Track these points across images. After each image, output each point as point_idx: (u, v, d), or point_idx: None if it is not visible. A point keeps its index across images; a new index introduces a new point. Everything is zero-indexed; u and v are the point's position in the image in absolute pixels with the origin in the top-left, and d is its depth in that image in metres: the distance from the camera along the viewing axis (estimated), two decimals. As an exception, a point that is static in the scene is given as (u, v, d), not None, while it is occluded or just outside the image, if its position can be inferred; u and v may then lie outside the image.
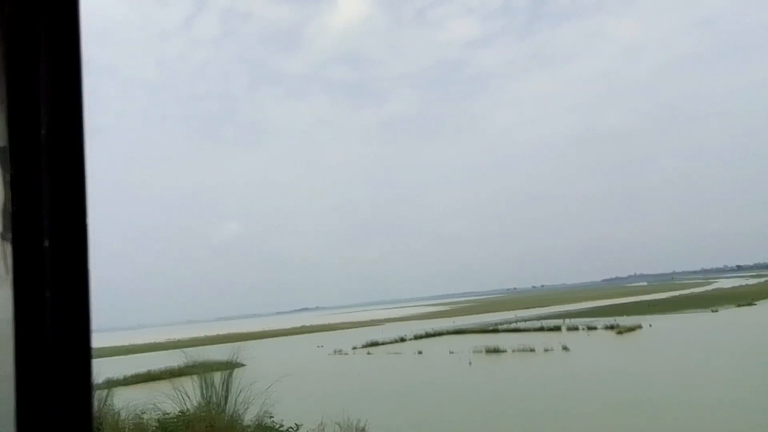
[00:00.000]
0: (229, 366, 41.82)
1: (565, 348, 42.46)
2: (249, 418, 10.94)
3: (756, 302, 74.33)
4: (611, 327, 55.64)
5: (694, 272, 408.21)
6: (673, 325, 54.96)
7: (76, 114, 1.11)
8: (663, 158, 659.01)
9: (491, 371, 35.42)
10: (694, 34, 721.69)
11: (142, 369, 46.02)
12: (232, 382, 11.31)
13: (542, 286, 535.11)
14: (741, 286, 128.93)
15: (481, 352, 44.74)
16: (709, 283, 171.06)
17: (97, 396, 14.06)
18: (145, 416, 11.09)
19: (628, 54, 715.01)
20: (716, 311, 67.39)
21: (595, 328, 56.84)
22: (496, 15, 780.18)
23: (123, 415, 11.54)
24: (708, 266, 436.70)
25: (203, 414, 10.51)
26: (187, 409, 10.74)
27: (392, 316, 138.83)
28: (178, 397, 11.12)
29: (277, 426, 11.18)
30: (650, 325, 54.81)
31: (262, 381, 13.59)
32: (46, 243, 1.06)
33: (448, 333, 66.60)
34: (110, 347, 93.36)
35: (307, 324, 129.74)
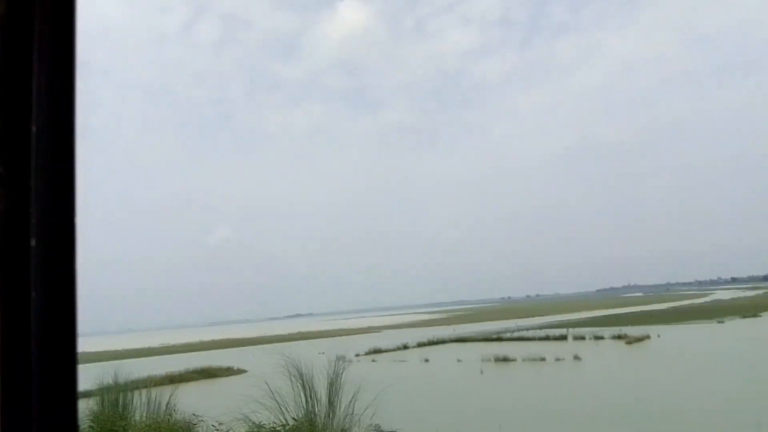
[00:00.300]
0: (232, 372, 40.13)
1: (576, 357, 41.51)
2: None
3: (760, 314, 73.72)
4: (619, 337, 54.76)
5: (689, 284, 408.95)
6: (681, 336, 54.14)
7: (67, 114, 1.10)
8: (658, 172, 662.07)
9: (507, 380, 34.44)
10: (691, 50, 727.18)
11: (154, 372, 44.84)
12: (340, 386, 10.24)
13: (537, 295, 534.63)
14: (740, 297, 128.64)
15: (489, 360, 43.73)
16: (706, 295, 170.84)
17: (130, 395, 13.37)
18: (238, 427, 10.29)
19: (626, 69, 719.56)
20: (722, 322, 66.66)
21: (602, 338, 55.98)
22: (494, 27, 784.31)
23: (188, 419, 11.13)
24: (702, 278, 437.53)
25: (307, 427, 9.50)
26: (286, 422, 9.72)
27: (389, 323, 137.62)
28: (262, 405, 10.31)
29: None
30: (658, 336, 53.96)
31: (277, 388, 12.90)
32: (33, 242, 1.04)
33: (451, 341, 65.56)
34: (105, 351, 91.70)
35: (304, 330, 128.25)
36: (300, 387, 10.32)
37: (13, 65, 1.06)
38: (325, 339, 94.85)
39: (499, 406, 26.29)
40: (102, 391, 15.35)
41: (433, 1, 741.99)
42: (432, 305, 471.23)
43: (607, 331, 60.23)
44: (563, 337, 59.33)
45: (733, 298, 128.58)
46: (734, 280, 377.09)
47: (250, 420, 9.90)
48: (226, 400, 12.92)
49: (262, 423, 9.70)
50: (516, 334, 65.82)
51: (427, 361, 47.77)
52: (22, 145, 1.05)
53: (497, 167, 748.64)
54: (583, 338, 57.55)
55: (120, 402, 13.93)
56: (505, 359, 43.66)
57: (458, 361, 45.58)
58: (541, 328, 74.70)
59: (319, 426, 9.58)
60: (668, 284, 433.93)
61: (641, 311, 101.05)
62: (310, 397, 10.04)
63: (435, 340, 65.80)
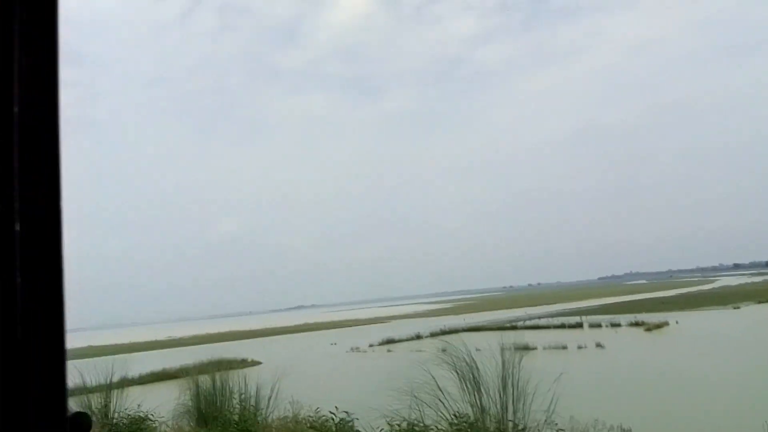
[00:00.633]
0: (246, 364, 39.18)
1: (599, 345, 40.71)
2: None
3: (775, 299, 72.94)
4: (636, 324, 53.96)
5: (691, 270, 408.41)
6: (700, 322, 53.33)
7: (51, 95, 1.07)
8: (661, 156, 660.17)
9: (535, 369, 33.55)
10: (695, 32, 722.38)
11: (168, 365, 44.11)
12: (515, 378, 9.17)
13: (538, 284, 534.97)
14: (748, 283, 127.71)
15: (509, 349, 42.84)
16: (712, 282, 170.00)
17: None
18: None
19: (629, 52, 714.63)
20: (738, 308, 65.87)
21: (618, 325, 55.16)
22: (495, 12, 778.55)
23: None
24: (704, 264, 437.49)
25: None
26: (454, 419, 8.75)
27: (395, 313, 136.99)
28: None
29: None
30: (677, 322, 53.13)
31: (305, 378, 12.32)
32: (18, 227, 1.01)
33: (463, 330, 64.60)
34: (111, 345, 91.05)
35: (310, 321, 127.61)
36: (463, 380, 9.06)
37: None
38: (333, 330, 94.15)
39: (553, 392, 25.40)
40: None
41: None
42: (434, 295, 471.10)
43: (622, 319, 59.41)
44: (579, 325, 58.53)
45: (740, 284, 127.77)
46: (737, 266, 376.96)
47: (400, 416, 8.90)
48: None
49: (416, 420, 8.75)
50: (530, 323, 64.93)
51: (444, 350, 46.82)
52: (3, 126, 1.01)
53: (499, 154, 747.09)
54: (599, 326, 56.74)
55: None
56: (526, 348, 42.61)
57: (477, 350, 44.68)
58: (552, 316, 73.92)
59: (495, 426, 8.57)
60: (670, 271, 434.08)
61: (651, 298, 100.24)
62: (476, 391, 8.93)
63: (447, 329, 64.85)
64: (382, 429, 10.01)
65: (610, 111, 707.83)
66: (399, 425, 9.38)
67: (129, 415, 13.95)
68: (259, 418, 11.56)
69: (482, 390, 8.93)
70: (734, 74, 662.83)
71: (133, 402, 15.74)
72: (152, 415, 13.79)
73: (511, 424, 8.50)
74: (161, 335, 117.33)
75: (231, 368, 45.75)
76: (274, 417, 11.80)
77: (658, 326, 51.04)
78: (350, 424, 11.86)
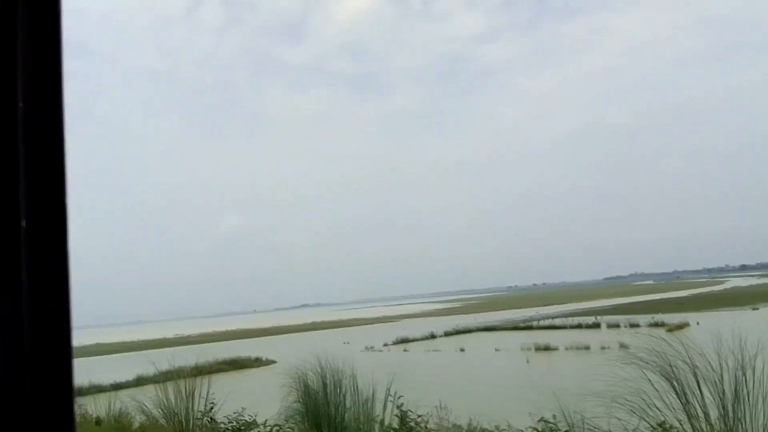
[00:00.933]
0: (261, 363, 38.18)
1: (623, 346, 39.70)
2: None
3: (794, 301, 71.90)
4: (656, 324, 52.97)
5: (697, 271, 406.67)
6: (721, 323, 52.11)
7: (55, 88, 1.08)
8: (666, 156, 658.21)
9: (565, 370, 32.68)
10: (699, 32, 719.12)
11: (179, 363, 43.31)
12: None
13: (543, 284, 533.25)
14: (759, 285, 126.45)
15: (529, 349, 42.08)
16: (721, 283, 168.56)
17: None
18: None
19: (633, 51, 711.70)
20: (757, 309, 64.82)
21: (637, 326, 54.12)
22: (500, 10, 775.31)
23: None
24: (710, 266, 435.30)
25: None
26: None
27: (402, 313, 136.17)
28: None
29: None
30: (697, 323, 52.14)
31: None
32: (24, 223, 1.01)
33: (477, 330, 63.96)
34: (118, 343, 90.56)
35: (317, 320, 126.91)
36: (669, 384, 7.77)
37: None
38: (342, 329, 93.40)
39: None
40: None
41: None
42: (438, 295, 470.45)
43: (639, 319, 58.51)
44: (596, 326, 57.62)
45: (751, 285, 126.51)
46: (744, 267, 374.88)
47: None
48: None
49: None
50: (545, 323, 64.06)
51: (462, 350, 46.05)
52: (8, 122, 1.01)
53: (503, 152, 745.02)
54: (617, 326, 55.82)
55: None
56: (547, 348, 41.99)
57: (496, 350, 43.89)
58: (565, 316, 73.04)
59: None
60: (676, 272, 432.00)
61: (664, 298, 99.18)
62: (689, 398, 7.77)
63: (461, 329, 64.17)
64: None
65: (615, 110, 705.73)
66: None
67: (228, 418, 12.01)
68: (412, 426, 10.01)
69: (690, 393, 7.61)
70: (739, 74, 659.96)
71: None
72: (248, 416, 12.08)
73: None
74: (168, 333, 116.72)
75: (245, 367, 45.27)
76: (431, 425, 10.36)
77: (680, 327, 50.06)
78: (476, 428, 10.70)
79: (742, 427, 7.29)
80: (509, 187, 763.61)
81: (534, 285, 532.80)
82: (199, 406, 12.01)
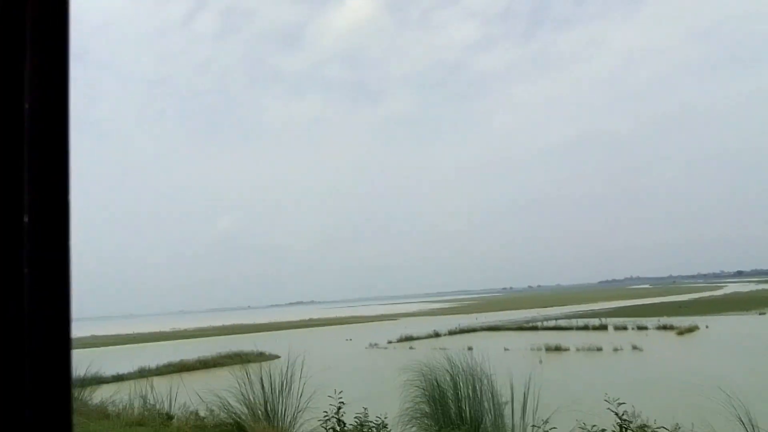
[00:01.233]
0: (265, 357, 36.87)
1: (635, 348, 38.99)
2: None
3: (799, 306, 71.34)
4: (664, 327, 52.31)
5: (692, 276, 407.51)
6: (731, 327, 51.66)
7: (61, 91, 1.09)
8: (661, 164, 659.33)
9: (581, 371, 31.83)
10: (694, 42, 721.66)
11: (184, 356, 42.38)
12: None
13: (538, 286, 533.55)
14: (760, 290, 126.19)
15: (539, 350, 41.25)
16: (720, 288, 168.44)
17: None
18: None
19: (629, 60, 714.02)
20: (763, 314, 64.23)
21: (645, 328, 53.43)
22: (497, 20, 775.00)
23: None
24: (704, 271, 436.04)
25: None
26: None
27: (400, 311, 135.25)
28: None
29: None
30: (707, 327, 51.45)
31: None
32: (26, 219, 1.03)
33: (482, 329, 63.11)
34: (115, 335, 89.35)
35: (314, 317, 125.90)
36: None
37: (5, 43, 1.04)
38: (341, 326, 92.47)
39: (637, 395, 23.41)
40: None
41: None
42: (432, 295, 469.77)
43: (646, 322, 57.82)
44: (603, 327, 56.84)
45: (751, 291, 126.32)
46: (740, 273, 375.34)
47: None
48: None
49: None
50: (550, 324, 63.25)
51: (470, 349, 45.07)
52: (14, 121, 1.03)
53: (499, 158, 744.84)
54: (624, 328, 55.10)
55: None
56: (557, 349, 41.14)
57: (505, 350, 42.99)
58: (568, 317, 72.27)
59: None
60: (671, 276, 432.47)
61: (665, 302, 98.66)
62: None
63: (465, 328, 63.30)
64: None
65: (611, 118, 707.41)
66: None
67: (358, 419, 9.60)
68: None
69: None
70: (734, 84, 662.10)
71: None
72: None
73: None
74: (165, 327, 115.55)
75: (249, 361, 44.28)
76: None
77: (690, 330, 49.39)
78: None
79: None
80: (505, 191, 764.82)
81: (529, 287, 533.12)
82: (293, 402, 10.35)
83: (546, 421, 8.55)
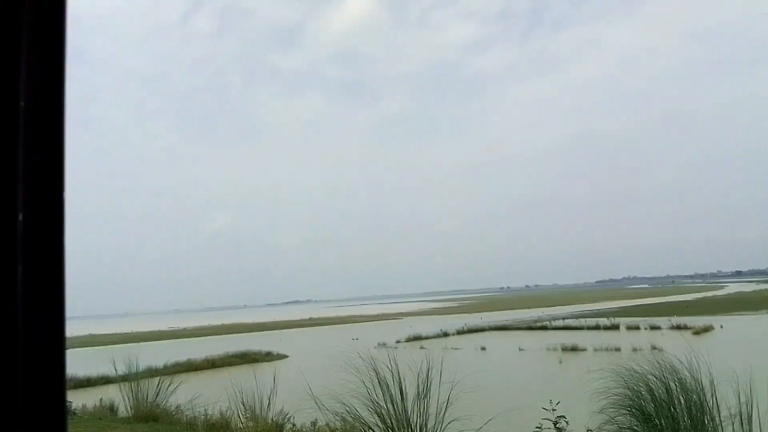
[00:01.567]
0: (273, 357, 35.64)
1: (655, 348, 37.87)
2: None
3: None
4: (678, 327, 51.31)
5: (691, 276, 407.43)
6: (746, 326, 50.77)
7: (56, 89, 1.10)
8: (657, 164, 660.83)
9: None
10: (690, 44, 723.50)
11: (191, 356, 41.07)
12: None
13: (535, 285, 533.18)
14: (762, 290, 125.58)
15: (555, 350, 40.20)
16: (721, 288, 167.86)
17: None
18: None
19: (626, 61, 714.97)
20: (775, 313, 63.44)
21: (658, 328, 52.43)
22: (495, 19, 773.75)
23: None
24: (702, 271, 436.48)
25: None
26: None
27: (401, 311, 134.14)
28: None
29: None
30: (721, 326, 50.53)
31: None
32: (20, 216, 1.03)
33: (490, 329, 62.08)
34: (113, 334, 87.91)
35: (315, 316, 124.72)
36: None
37: (1, 42, 1.05)
38: (343, 325, 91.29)
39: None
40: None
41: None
42: (430, 294, 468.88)
43: (658, 321, 56.86)
44: (615, 327, 55.86)
45: (754, 291, 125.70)
46: (739, 273, 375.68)
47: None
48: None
49: None
50: (559, 323, 62.25)
51: (484, 349, 44.05)
52: (9, 119, 1.04)
53: (496, 158, 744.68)
54: (637, 328, 54.09)
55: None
56: (574, 349, 40.08)
57: (520, 349, 41.94)
58: (575, 317, 71.31)
59: None
60: (669, 276, 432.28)
61: (670, 302, 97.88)
62: None
63: (473, 328, 62.25)
64: None
65: (608, 118, 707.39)
66: None
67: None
68: None
69: None
70: (731, 85, 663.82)
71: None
72: None
73: None
74: (162, 326, 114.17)
75: (257, 361, 43.10)
76: None
77: (705, 330, 48.42)
78: None
79: None
80: (502, 191, 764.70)
81: (526, 286, 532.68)
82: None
83: None
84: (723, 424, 7.48)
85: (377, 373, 9.03)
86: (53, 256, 1.05)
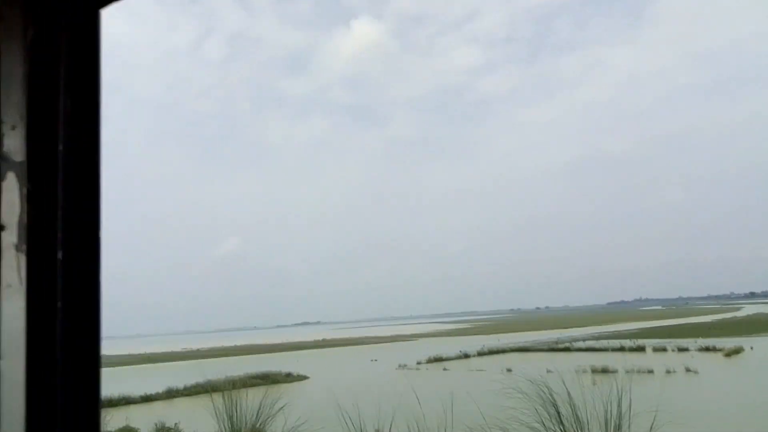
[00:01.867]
0: (293, 378, 34.91)
1: (689, 370, 36.99)
2: None
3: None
4: (707, 349, 50.23)
5: (703, 298, 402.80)
6: (776, 349, 49.58)
7: (92, 132, 1.16)
8: (664, 183, 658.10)
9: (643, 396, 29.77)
10: (693, 65, 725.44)
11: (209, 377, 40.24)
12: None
13: (546, 307, 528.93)
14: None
15: (585, 372, 39.17)
16: (737, 309, 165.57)
17: None
18: None
19: (630, 83, 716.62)
20: (803, 336, 62.10)
21: (686, 350, 51.37)
22: (500, 44, 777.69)
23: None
24: (715, 292, 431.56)
25: None
26: None
27: (415, 332, 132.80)
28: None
29: None
30: (751, 348, 49.41)
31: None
32: (60, 255, 1.10)
33: (511, 350, 61.04)
34: (128, 355, 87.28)
35: (328, 338, 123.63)
36: None
37: (39, 86, 1.11)
38: (358, 346, 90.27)
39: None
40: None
41: (441, 19, 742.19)
42: (440, 316, 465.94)
43: (684, 343, 55.76)
44: (641, 348, 54.77)
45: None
46: (753, 294, 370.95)
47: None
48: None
49: None
50: (582, 345, 61.17)
51: (509, 370, 43.04)
52: (48, 161, 1.10)
53: (503, 180, 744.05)
54: (664, 350, 53.01)
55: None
56: (605, 371, 39.06)
57: (548, 371, 40.92)
58: (595, 338, 70.14)
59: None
60: (681, 298, 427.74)
61: (690, 323, 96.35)
62: None
63: (493, 349, 61.31)
64: None
65: (614, 139, 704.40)
66: None
67: None
68: None
69: None
70: (735, 105, 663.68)
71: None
72: None
73: None
74: (175, 347, 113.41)
75: (277, 382, 42.33)
76: None
77: (736, 351, 47.36)
78: None
79: None
80: (510, 213, 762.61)
81: (537, 308, 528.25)
82: None
83: None
84: None
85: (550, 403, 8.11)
86: (90, 292, 1.11)
